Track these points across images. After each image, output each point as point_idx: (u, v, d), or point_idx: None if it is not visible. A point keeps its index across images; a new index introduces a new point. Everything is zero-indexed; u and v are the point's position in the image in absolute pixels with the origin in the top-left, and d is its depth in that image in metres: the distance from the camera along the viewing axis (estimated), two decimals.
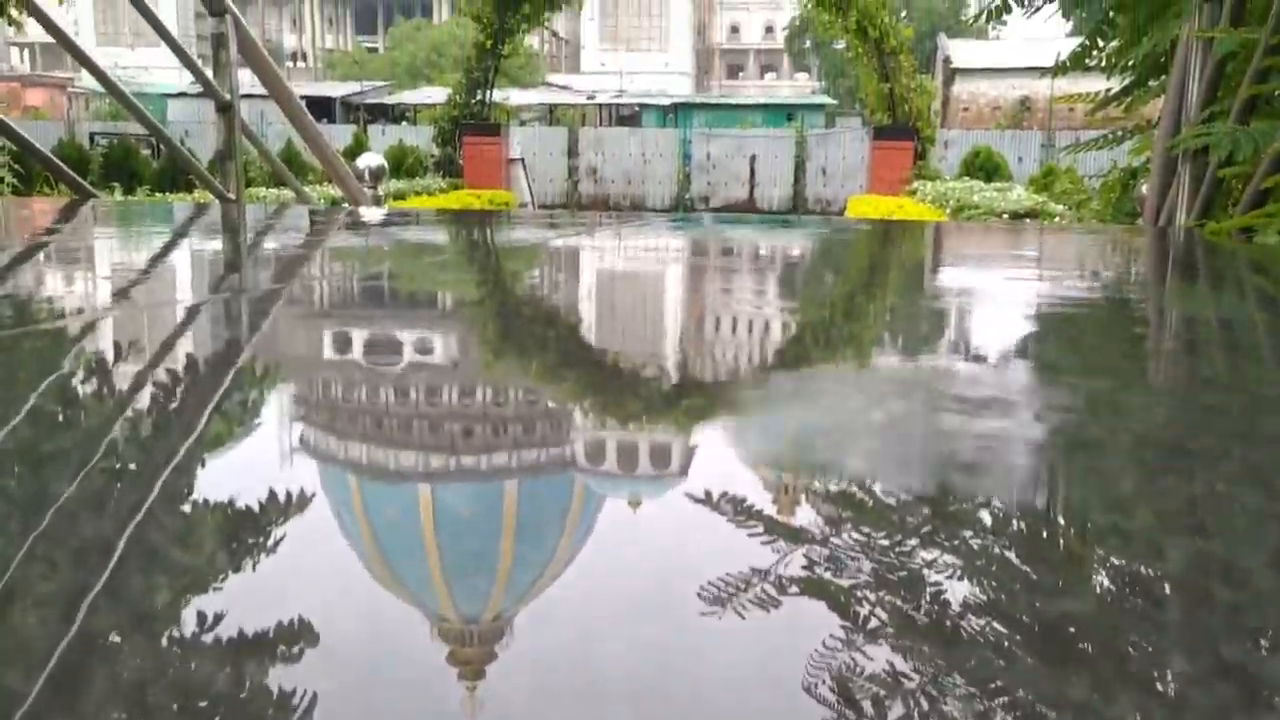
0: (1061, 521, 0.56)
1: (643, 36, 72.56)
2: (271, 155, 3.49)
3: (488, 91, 13.99)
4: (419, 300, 1.37)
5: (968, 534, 0.52)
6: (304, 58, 78.85)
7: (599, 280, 1.60)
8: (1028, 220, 8.87)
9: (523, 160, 14.69)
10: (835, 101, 33.49)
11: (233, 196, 3.00)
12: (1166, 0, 2.67)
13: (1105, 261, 1.75)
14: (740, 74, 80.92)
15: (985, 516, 0.55)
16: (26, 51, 76.11)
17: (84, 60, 2.81)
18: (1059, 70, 3.94)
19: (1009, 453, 0.66)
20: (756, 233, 2.28)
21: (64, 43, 2.65)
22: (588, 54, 72.94)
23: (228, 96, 2.95)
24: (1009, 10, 3.74)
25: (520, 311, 1.30)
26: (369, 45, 79.36)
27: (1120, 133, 3.93)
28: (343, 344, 1.09)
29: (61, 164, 2.82)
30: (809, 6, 14.29)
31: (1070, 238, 2.04)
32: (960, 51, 25.98)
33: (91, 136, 18.62)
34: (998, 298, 1.36)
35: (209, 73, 3.32)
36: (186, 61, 3.17)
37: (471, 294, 1.43)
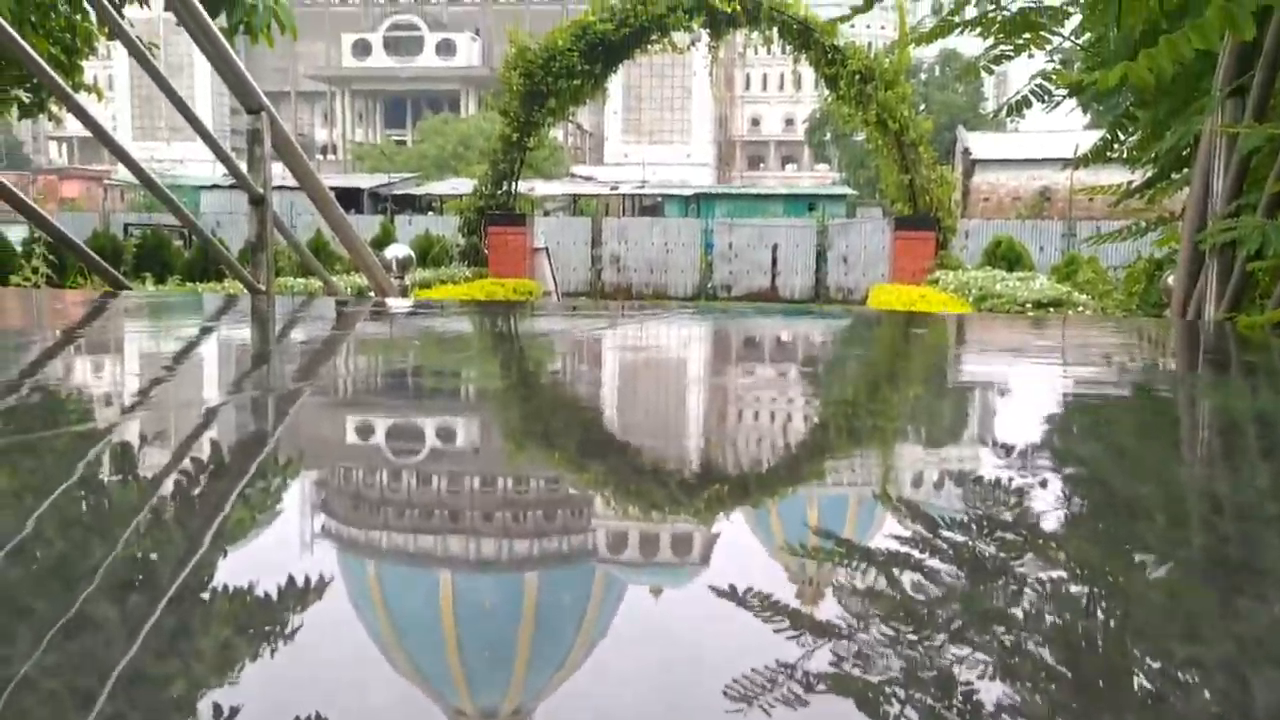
0: (1109, 643, 0.53)
1: (665, 129, 73.87)
2: (301, 246, 3.54)
3: (513, 182, 14.23)
4: (443, 390, 1.37)
5: (998, 632, 0.50)
6: (334, 150, 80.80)
7: (621, 371, 1.60)
8: (1052, 310, 8.87)
9: (547, 249, 14.86)
10: (855, 192, 33.90)
11: (263, 288, 3.04)
12: (1188, 96, 2.70)
13: (1137, 354, 1.73)
14: (761, 165, 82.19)
15: (1017, 614, 0.53)
16: (65, 145, 78.36)
17: (120, 154, 2.87)
18: (1080, 163, 3.97)
19: (1042, 555, 0.64)
20: (778, 323, 2.27)
21: (101, 137, 2.72)
22: (611, 145, 74.33)
23: (261, 190, 3.00)
24: (1029, 106, 3.78)
25: (543, 402, 1.30)
26: (398, 138, 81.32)
27: (1144, 224, 3.94)
28: (366, 434, 1.09)
29: (94, 255, 2.87)
30: (829, 100, 14.55)
31: (1099, 330, 2.02)
32: (979, 143, 26.32)
33: (125, 227, 19.02)
34: (1029, 392, 1.34)
35: (243, 167, 3.39)
36: (221, 156, 3.23)
37: (494, 384, 1.43)
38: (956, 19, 3.74)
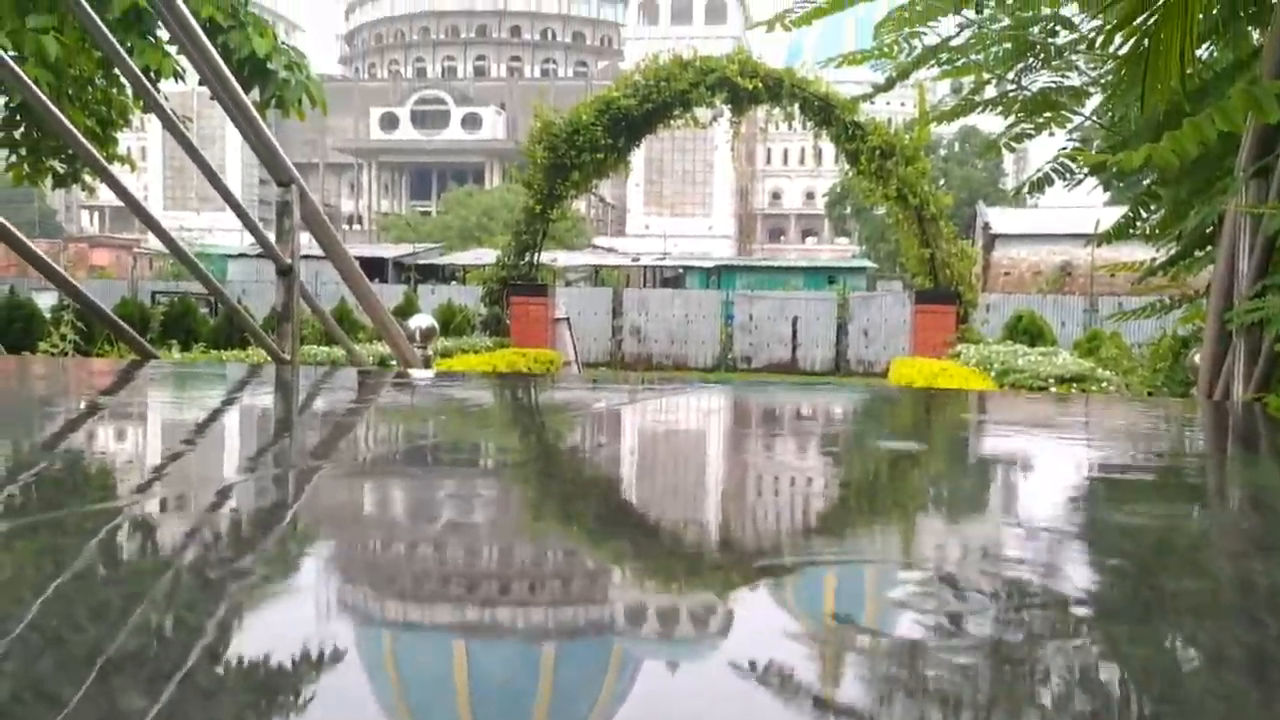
0: None
1: (686, 201, 74.62)
2: (327, 316, 3.57)
3: (536, 253, 14.37)
4: (461, 464, 1.37)
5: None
6: (360, 221, 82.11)
7: (641, 446, 1.59)
8: (1075, 387, 8.81)
9: (568, 320, 14.94)
10: (875, 265, 34.03)
11: (288, 357, 3.06)
12: (1211, 175, 2.71)
13: (1165, 436, 1.71)
14: (781, 238, 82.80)
15: (1044, 703, 0.52)
16: (96, 214, 79.91)
17: (150, 223, 2.91)
18: (1102, 240, 3.97)
19: (1070, 645, 0.62)
20: (799, 398, 2.25)
21: (132, 206, 2.76)
22: (633, 217, 75.08)
23: (289, 261, 3.04)
24: (1050, 184, 3.80)
25: (562, 477, 1.29)
26: (423, 209, 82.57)
27: (1168, 301, 3.92)
28: (384, 507, 1.09)
29: (122, 323, 2.90)
30: (850, 175, 14.69)
31: (1124, 409, 1.99)
32: (999, 218, 26.47)
33: (153, 295, 19.29)
34: (1055, 474, 1.32)
35: (271, 237, 3.43)
36: (250, 226, 3.28)
37: (513, 458, 1.42)
38: (977, 99, 3.77)
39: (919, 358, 13.22)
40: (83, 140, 2.74)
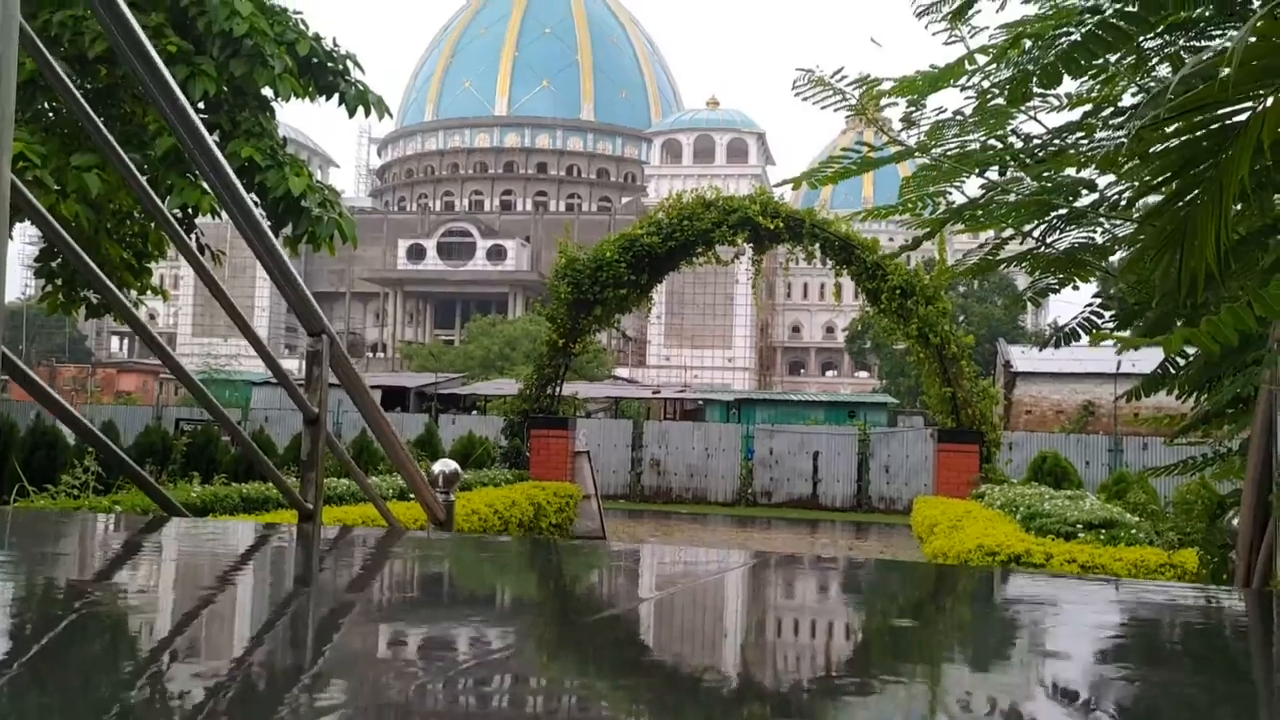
0: None
1: (707, 334, 75.18)
2: (355, 469, 3.56)
3: (557, 386, 14.42)
4: (479, 645, 1.32)
5: None
6: (384, 349, 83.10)
7: (658, 625, 1.53)
8: (1104, 533, 8.63)
9: (588, 453, 14.90)
10: (896, 400, 33.96)
11: (310, 506, 3.03)
12: (1243, 342, 2.69)
13: (1213, 641, 1.60)
14: (801, 370, 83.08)
15: None
16: (125, 340, 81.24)
17: (168, 360, 2.93)
18: (1131, 396, 3.93)
19: None
20: (821, 577, 2.18)
21: (149, 343, 2.79)
22: (653, 349, 75.62)
23: (316, 411, 3.04)
24: (1077, 338, 3.79)
25: (577, 652, 1.25)
26: (446, 338, 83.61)
27: (1199, 459, 3.86)
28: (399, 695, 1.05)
29: (140, 470, 2.88)
30: (871, 312, 14.80)
31: (1161, 602, 1.88)
32: (1021, 356, 26.54)
33: (177, 423, 19.39)
34: (1095, 692, 1.23)
35: (299, 382, 3.45)
36: (278, 374, 3.30)
37: (529, 631, 1.38)
38: (999, 255, 3.80)
39: (942, 497, 13.05)
40: (103, 278, 2.78)
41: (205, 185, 10.08)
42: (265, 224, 3.32)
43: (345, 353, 3.71)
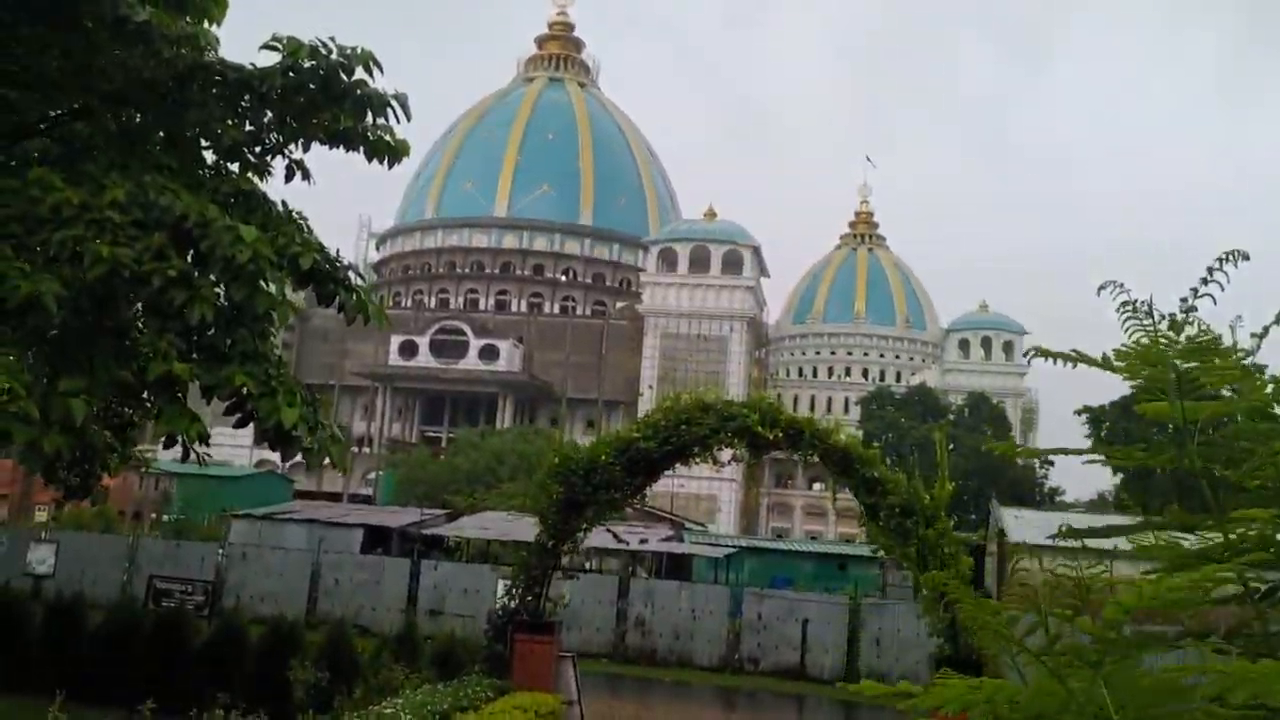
0: None
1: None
2: None
3: (544, 588, 14.01)
4: None
5: None
6: (370, 443, 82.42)
7: None
8: None
9: (573, 658, 14.42)
10: (885, 555, 33.49)
11: None
12: None
13: None
14: (789, 483, 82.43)
15: None
16: None
17: None
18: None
19: None
20: None
21: None
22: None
23: None
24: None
25: None
26: (432, 434, 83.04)
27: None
28: None
29: None
30: (868, 529, 14.48)
31: None
32: (1014, 523, 26.21)
33: (150, 583, 18.82)
34: None
35: None
36: None
37: None
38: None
39: None
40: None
41: (195, 413, 9.82)
42: None
43: None
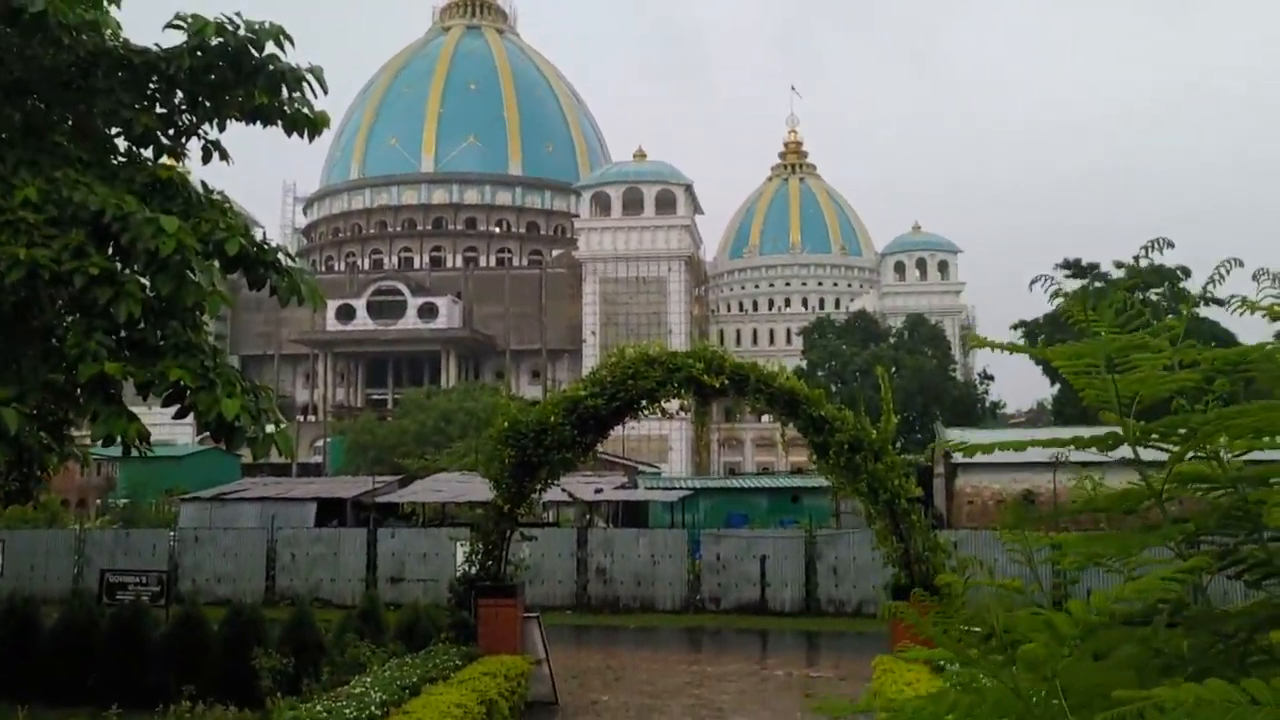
0: None
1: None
2: None
3: (504, 550, 14.08)
4: None
5: None
6: (314, 411, 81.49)
7: None
8: None
9: (538, 618, 14.54)
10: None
11: None
12: None
13: None
14: (739, 416, 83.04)
15: None
16: None
17: None
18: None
19: None
20: None
21: None
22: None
23: None
24: None
25: None
26: (378, 397, 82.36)
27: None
28: None
29: None
30: (816, 465, 14.70)
31: None
32: (960, 440, 26.71)
33: (102, 576, 18.52)
34: None
35: None
36: None
37: None
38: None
39: (900, 659, 12.91)
40: None
41: (133, 412, 9.61)
42: None
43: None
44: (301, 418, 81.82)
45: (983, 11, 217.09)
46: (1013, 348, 2.76)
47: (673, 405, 14.86)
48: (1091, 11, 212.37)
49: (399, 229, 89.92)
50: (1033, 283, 2.67)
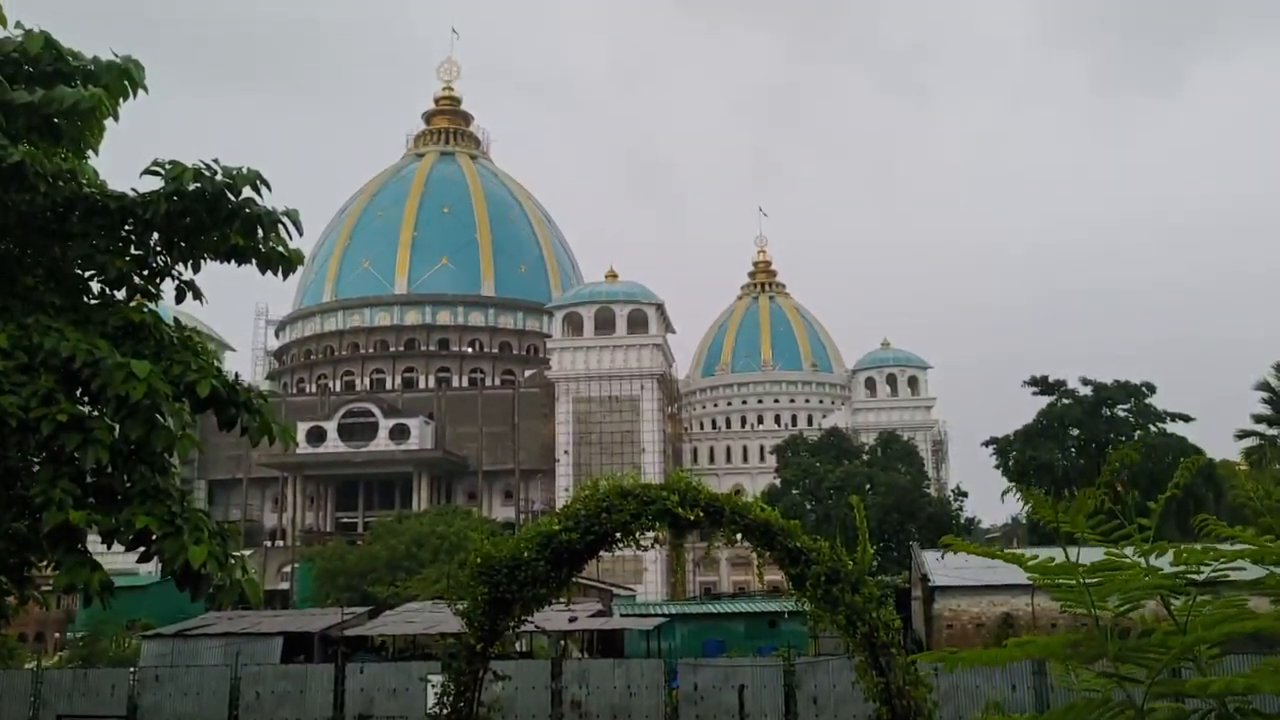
0: None
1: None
2: None
3: (476, 693, 13.71)
4: None
5: None
6: (283, 536, 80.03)
7: None
8: None
9: None
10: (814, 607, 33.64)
11: None
12: None
13: None
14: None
15: None
16: None
17: None
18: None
19: None
20: None
21: None
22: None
23: None
24: None
25: None
26: (348, 520, 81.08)
27: None
28: None
29: None
30: (796, 599, 14.53)
31: None
32: (937, 567, 26.61)
33: None
34: None
35: None
36: None
37: None
38: None
39: None
40: None
41: (96, 561, 9.40)
42: None
43: None
44: (270, 543, 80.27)
45: (936, 142, 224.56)
46: (986, 553, 2.79)
47: (648, 538, 14.73)
48: (1040, 143, 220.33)
49: (372, 350, 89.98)
50: (1004, 494, 2.72)
